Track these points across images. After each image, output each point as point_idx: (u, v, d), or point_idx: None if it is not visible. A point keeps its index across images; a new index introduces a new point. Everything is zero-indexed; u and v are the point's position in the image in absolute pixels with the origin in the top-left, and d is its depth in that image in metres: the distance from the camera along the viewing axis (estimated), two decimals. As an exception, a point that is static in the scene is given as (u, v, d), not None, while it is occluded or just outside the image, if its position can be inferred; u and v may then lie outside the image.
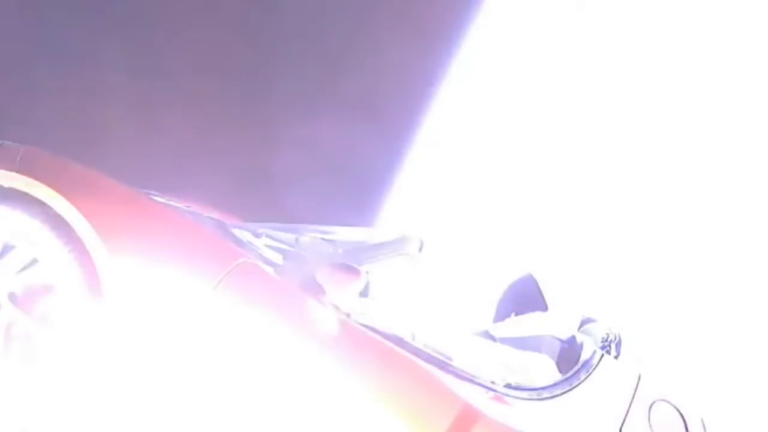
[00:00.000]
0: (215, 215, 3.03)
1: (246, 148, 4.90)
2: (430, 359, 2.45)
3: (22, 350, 2.35)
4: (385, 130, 5.55)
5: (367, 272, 2.57)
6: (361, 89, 5.26)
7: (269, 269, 2.44)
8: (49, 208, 2.30)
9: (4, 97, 4.13)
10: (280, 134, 5.03)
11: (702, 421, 2.61)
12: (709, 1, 5.40)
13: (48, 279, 2.32)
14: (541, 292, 3.02)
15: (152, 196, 2.74)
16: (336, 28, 5.31)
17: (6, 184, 2.32)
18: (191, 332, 2.28)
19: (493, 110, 5.94)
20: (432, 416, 2.27)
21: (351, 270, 2.45)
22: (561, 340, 2.87)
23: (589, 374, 2.58)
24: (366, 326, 2.46)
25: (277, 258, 2.59)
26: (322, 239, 2.71)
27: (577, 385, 2.56)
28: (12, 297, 2.33)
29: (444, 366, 2.47)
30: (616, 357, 2.85)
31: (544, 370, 2.64)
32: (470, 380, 2.47)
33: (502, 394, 2.49)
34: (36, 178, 2.31)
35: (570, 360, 2.69)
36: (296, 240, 2.69)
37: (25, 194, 2.31)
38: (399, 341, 2.46)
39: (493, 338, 3.03)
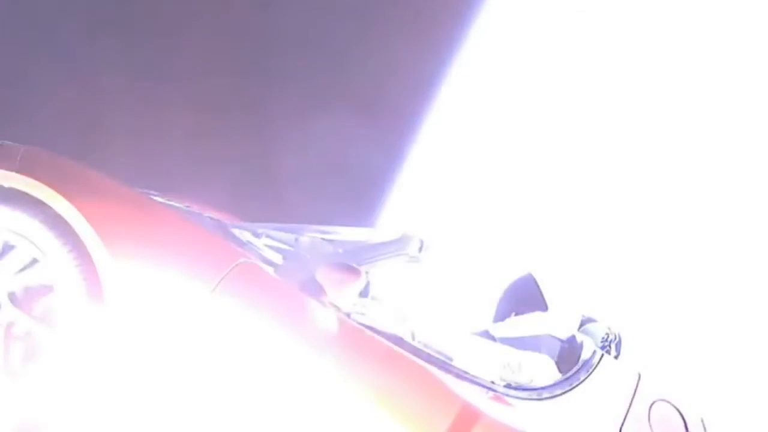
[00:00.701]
0: (215, 215, 3.03)
1: (246, 148, 4.90)
2: (430, 359, 2.45)
3: (22, 350, 2.35)
4: (385, 131, 5.55)
5: (367, 272, 2.57)
6: (362, 89, 5.27)
7: (269, 269, 2.44)
8: (49, 208, 2.30)
9: (4, 97, 4.13)
10: (281, 134, 5.03)
11: (702, 421, 2.61)
12: (709, 1, 5.40)
13: (48, 279, 2.32)
14: (541, 292, 3.01)
15: (152, 197, 2.74)
16: (337, 29, 5.31)
17: (6, 184, 2.32)
18: (191, 332, 2.28)
19: (494, 110, 5.94)
20: (432, 416, 2.27)
21: (351, 270, 2.45)
22: (561, 340, 2.87)
23: (589, 374, 2.58)
24: (366, 326, 2.46)
25: (277, 258, 2.59)
26: (322, 239, 2.71)
27: (577, 385, 2.56)
28: (12, 297, 2.33)
29: (444, 366, 2.47)
30: (616, 357, 2.85)
31: (544, 370, 2.64)
32: (470, 380, 2.47)
33: (502, 394, 2.49)
34: (36, 178, 2.31)
35: (570, 360, 2.69)
36: (296, 240, 2.69)
37: (25, 194, 2.31)
38: (399, 341, 2.46)
39: (493, 338, 3.03)
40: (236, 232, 2.67)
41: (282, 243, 2.70)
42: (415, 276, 2.96)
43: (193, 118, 4.69)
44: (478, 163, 5.91)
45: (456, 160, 6.00)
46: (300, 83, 5.14)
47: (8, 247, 2.35)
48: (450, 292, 4.41)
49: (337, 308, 2.41)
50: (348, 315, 2.43)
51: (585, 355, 2.65)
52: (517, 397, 2.50)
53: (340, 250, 2.67)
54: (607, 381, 2.59)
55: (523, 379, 2.59)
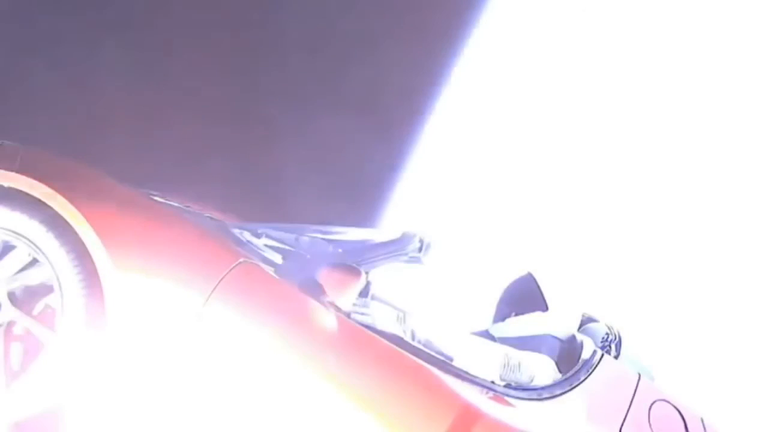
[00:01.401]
0: (215, 215, 3.03)
1: (246, 148, 4.90)
2: (430, 359, 2.45)
3: (22, 350, 2.35)
4: (385, 131, 5.55)
5: (367, 272, 2.57)
6: (363, 89, 5.27)
7: (269, 269, 2.44)
8: (49, 208, 2.29)
9: (5, 97, 4.13)
10: (281, 134, 5.03)
11: (702, 421, 2.61)
12: (710, 1, 5.40)
13: (48, 279, 2.32)
14: (541, 292, 3.01)
15: (152, 197, 2.74)
16: (337, 29, 5.31)
17: (6, 184, 2.32)
18: (191, 332, 2.28)
19: (494, 111, 5.94)
20: (432, 416, 2.27)
21: (351, 270, 2.45)
22: (561, 340, 2.86)
23: (589, 374, 2.58)
24: (366, 326, 2.46)
25: (277, 258, 2.59)
26: (322, 239, 2.71)
27: (577, 385, 2.55)
28: (12, 297, 2.33)
29: (444, 366, 2.47)
30: (616, 357, 2.85)
31: (544, 370, 2.64)
32: (470, 380, 2.47)
33: (502, 394, 2.49)
34: (36, 178, 2.31)
35: (570, 360, 2.69)
36: (296, 240, 2.69)
37: (25, 194, 2.31)
38: (399, 341, 2.45)
39: (493, 338, 3.03)
40: (236, 232, 2.67)
41: (282, 243, 2.70)
42: (415, 276, 2.95)
43: (193, 118, 4.69)
44: (479, 163, 5.91)
45: (456, 160, 6.00)
46: (300, 83, 5.14)
47: (8, 247, 2.35)
48: (450, 292, 4.41)
49: (337, 308, 2.40)
50: (348, 315, 2.43)
51: (585, 355, 2.65)
52: (517, 397, 2.50)
53: (340, 250, 2.67)
54: (607, 381, 2.59)
55: (523, 379, 2.59)
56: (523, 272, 3.16)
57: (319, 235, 2.73)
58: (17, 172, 2.32)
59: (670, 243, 5.28)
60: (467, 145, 5.98)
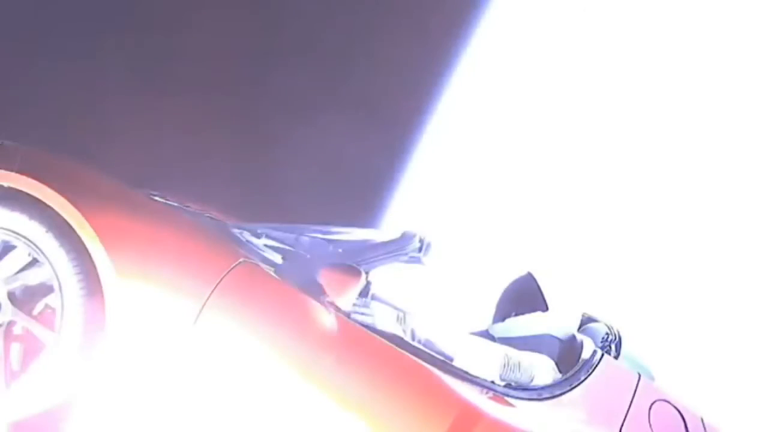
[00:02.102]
0: (215, 215, 3.03)
1: (246, 148, 4.90)
2: (430, 359, 2.45)
3: (22, 350, 2.35)
4: (386, 131, 5.55)
5: (367, 272, 2.57)
6: (363, 90, 5.27)
7: (269, 269, 2.44)
8: (49, 208, 2.29)
9: (5, 97, 4.13)
10: (281, 134, 5.03)
11: (702, 421, 2.61)
12: (710, 1, 5.40)
13: (48, 279, 2.32)
14: (541, 292, 3.01)
15: (152, 197, 2.74)
16: (337, 30, 5.31)
17: (6, 184, 2.32)
18: (191, 332, 2.28)
19: (494, 111, 5.94)
20: (432, 416, 2.27)
21: (351, 270, 2.45)
22: (561, 340, 2.86)
23: (589, 374, 2.58)
24: (366, 326, 2.46)
25: (277, 258, 2.59)
26: (322, 239, 2.71)
27: (577, 385, 2.55)
28: (12, 297, 2.33)
29: (444, 366, 2.47)
30: (616, 357, 2.85)
31: (544, 370, 2.64)
32: (470, 380, 2.47)
33: (502, 394, 2.49)
34: (36, 179, 2.31)
35: (570, 360, 2.69)
36: (296, 240, 2.68)
37: (25, 194, 2.31)
38: (399, 341, 2.46)
39: (493, 338, 3.03)
40: (236, 232, 2.67)
41: (282, 243, 2.69)
42: (415, 276, 2.95)
43: (193, 119, 4.69)
44: (479, 164, 5.91)
45: (456, 160, 6.00)
46: (301, 84, 5.14)
47: (8, 247, 2.35)
48: (450, 292, 4.41)
49: (337, 308, 2.41)
50: (348, 315, 2.43)
51: (585, 355, 2.65)
52: (517, 397, 2.50)
53: (340, 250, 2.67)
54: (607, 381, 2.59)
55: (523, 379, 2.59)
56: (523, 272, 3.16)
57: (319, 235, 2.72)
58: (17, 172, 2.32)
59: (670, 243, 5.28)
60: (467, 145, 5.98)
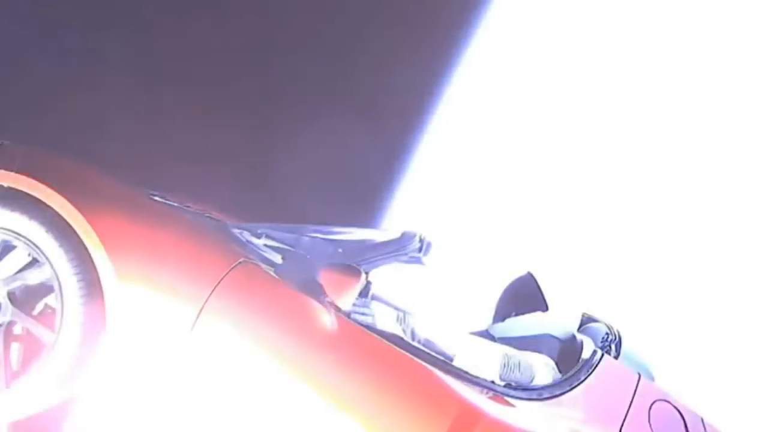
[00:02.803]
0: (215, 215, 3.03)
1: (247, 148, 4.90)
2: (430, 359, 2.45)
3: (22, 350, 2.35)
4: (386, 131, 5.55)
5: (367, 272, 2.57)
6: (364, 90, 5.27)
7: (269, 269, 2.44)
8: (49, 208, 2.29)
9: (5, 98, 4.13)
10: (281, 134, 5.03)
11: (702, 421, 2.61)
12: (710, 1, 5.40)
13: (48, 279, 2.32)
14: (541, 292, 3.01)
15: (152, 197, 2.74)
16: (338, 30, 5.31)
17: (6, 184, 2.32)
18: (191, 332, 2.28)
19: (494, 111, 5.94)
20: (432, 416, 2.27)
21: (351, 270, 2.45)
22: (561, 340, 2.86)
23: (589, 374, 2.58)
24: (366, 326, 2.46)
25: (277, 258, 2.59)
26: (322, 239, 2.71)
27: (577, 385, 2.55)
28: (12, 297, 2.33)
29: (444, 366, 2.47)
30: (616, 357, 2.85)
31: (544, 370, 2.64)
32: (470, 380, 2.47)
33: (502, 394, 2.49)
34: (36, 179, 2.31)
35: (570, 360, 2.69)
36: (296, 240, 2.68)
37: (25, 194, 2.31)
38: (399, 341, 2.46)
39: (493, 338, 3.03)
40: (236, 232, 2.67)
41: (282, 243, 2.69)
42: (415, 276, 2.95)
43: (193, 119, 4.69)
44: (479, 164, 5.91)
45: (457, 160, 6.00)
46: (301, 84, 5.14)
47: (8, 247, 2.35)
48: (450, 292, 4.41)
49: (337, 308, 2.41)
50: (348, 315, 2.43)
51: (585, 355, 2.65)
52: (517, 397, 2.49)
53: (340, 250, 2.67)
54: (607, 381, 2.59)
55: (523, 379, 2.59)
56: (523, 272, 3.16)
57: (319, 235, 2.72)
58: (17, 172, 2.32)
59: (670, 243, 5.28)
60: (467, 145, 5.98)
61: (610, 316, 3.12)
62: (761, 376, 4.66)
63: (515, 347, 2.75)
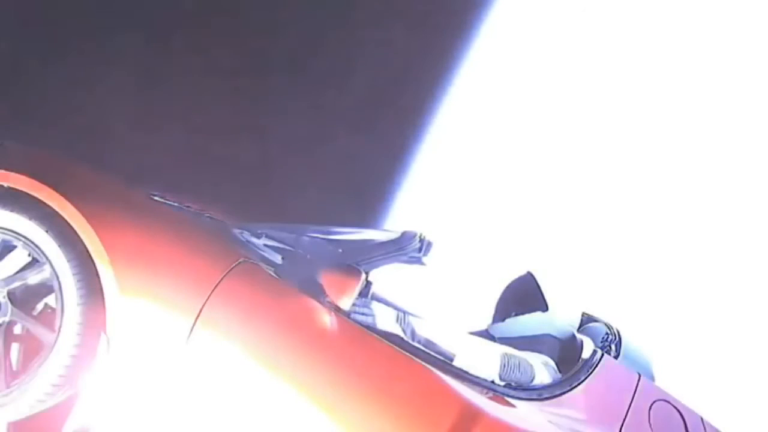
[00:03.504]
0: (215, 215, 3.03)
1: (247, 148, 4.90)
2: (430, 359, 2.45)
3: (22, 350, 2.35)
4: (386, 132, 5.55)
5: (367, 272, 2.57)
6: (364, 90, 5.27)
7: (269, 269, 2.44)
8: (49, 208, 2.29)
9: (5, 98, 4.13)
10: (282, 135, 5.03)
11: (702, 421, 2.61)
12: (710, 1, 5.40)
13: (48, 279, 2.32)
14: (541, 292, 3.01)
15: (152, 197, 2.74)
16: (339, 31, 5.31)
17: (6, 184, 2.32)
18: (191, 332, 2.27)
19: (494, 111, 5.94)
20: (432, 416, 2.27)
21: (351, 270, 2.45)
22: (561, 340, 2.87)
23: (589, 374, 2.58)
24: (366, 326, 2.46)
25: (277, 258, 2.59)
26: (322, 239, 2.71)
27: (577, 385, 2.55)
28: (12, 297, 2.33)
29: (444, 366, 2.47)
30: (616, 357, 2.85)
31: (544, 370, 2.64)
32: (470, 380, 2.47)
33: (502, 394, 2.49)
34: (36, 179, 2.31)
35: (570, 360, 2.69)
36: (296, 240, 2.68)
37: (25, 194, 2.31)
38: (399, 341, 2.45)
39: (493, 338, 3.03)
40: (236, 232, 2.67)
41: (282, 243, 2.69)
42: (415, 276, 2.95)
43: (193, 118, 4.69)
44: (479, 164, 5.91)
45: (457, 160, 6.00)
46: (302, 84, 5.14)
47: (8, 247, 2.35)
48: (450, 292, 4.41)
49: (337, 308, 2.41)
50: (348, 315, 2.43)
51: (585, 355, 2.65)
52: (517, 397, 2.50)
53: (340, 250, 2.67)
54: (607, 381, 2.59)
55: (523, 379, 2.59)
56: (523, 272, 3.16)
57: (319, 235, 2.72)
58: (17, 172, 2.32)
59: (670, 243, 5.28)
60: (467, 145, 5.98)
61: (610, 316, 3.12)
62: (761, 376, 4.66)
63: (515, 347, 2.75)
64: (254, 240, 2.65)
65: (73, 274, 2.27)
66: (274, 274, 2.43)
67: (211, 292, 2.29)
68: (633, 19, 5.59)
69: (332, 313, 2.39)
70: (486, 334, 3.08)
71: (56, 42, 4.38)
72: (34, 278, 2.35)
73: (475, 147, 5.93)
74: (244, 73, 5.02)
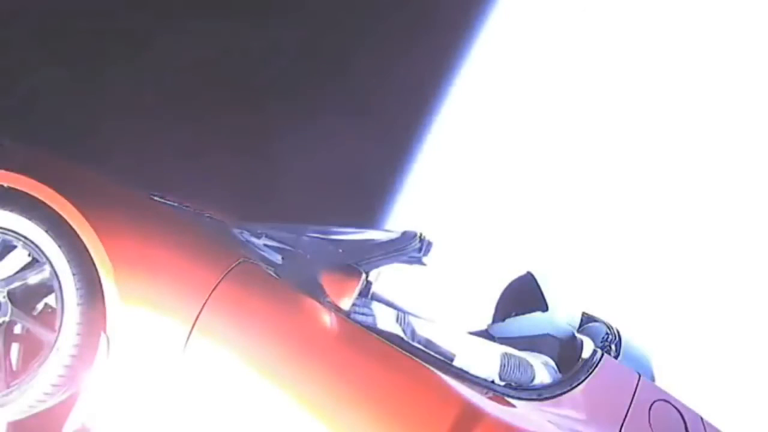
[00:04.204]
0: (215, 215, 3.03)
1: (247, 148, 4.90)
2: (430, 359, 2.45)
3: (22, 350, 2.35)
4: (387, 132, 5.55)
5: (367, 272, 2.57)
6: (364, 90, 5.27)
7: (269, 269, 2.44)
8: (49, 207, 2.29)
9: (5, 98, 4.13)
10: (282, 135, 5.03)
11: (702, 421, 2.61)
12: (710, 1, 5.40)
13: (48, 279, 2.32)
14: (541, 292, 3.01)
15: (152, 197, 2.74)
16: (339, 31, 5.31)
17: (6, 184, 2.32)
18: (190, 332, 2.27)
19: (495, 111, 5.94)
20: (432, 416, 2.27)
21: (351, 270, 2.45)
22: (561, 340, 2.87)
23: (589, 374, 2.58)
24: (366, 326, 2.46)
25: (277, 258, 2.59)
26: (322, 239, 2.71)
27: (577, 385, 2.55)
28: (12, 297, 2.33)
29: (444, 366, 2.47)
30: (616, 357, 2.85)
31: (544, 370, 2.64)
32: (470, 380, 2.47)
33: (502, 394, 2.49)
34: (36, 179, 2.31)
35: (570, 360, 2.69)
36: (296, 240, 2.68)
37: (25, 194, 2.30)
38: (399, 341, 2.45)
39: (493, 338, 3.03)
40: (236, 232, 2.67)
41: (282, 243, 2.69)
42: (415, 276, 2.95)
43: (193, 119, 4.69)
44: (479, 164, 5.91)
45: (457, 160, 6.00)
46: (302, 84, 5.14)
47: (8, 247, 2.35)
48: (450, 292, 4.40)
49: (337, 308, 2.40)
50: (348, 315, 2.43)
51: (585, 355, 2.65)
52: (517, 397, 2.49)
53: (340, 250, 2.67)
54: (607, 381, 2.59)
55: (523, 379, 2.59)
56: (523, 272, 3.16)
57: (319, 235, 2.72)
58: (17, 172, 2.32)
59: (670, 243, 5.28)
60: (468, 145, 5.98)
61: (610, 316, 3.12)
62: (761, 376, 4.66)
63: (515, 347, 2.74)
64: (254, 240, 2.65)
65: (73, 274, 2.27)
66: (274, 274, 2.43)
67: (211, 292, 2.29)
68: (633, 19, 5.59)
69: (332, 313, 2.39)
70: (486, 334, 3.07)
71: (57, 43, 4.38)
72: (34, 278, 2.34)
73: (475, 147, 5.94)
74: (244, 73, 5.03)
